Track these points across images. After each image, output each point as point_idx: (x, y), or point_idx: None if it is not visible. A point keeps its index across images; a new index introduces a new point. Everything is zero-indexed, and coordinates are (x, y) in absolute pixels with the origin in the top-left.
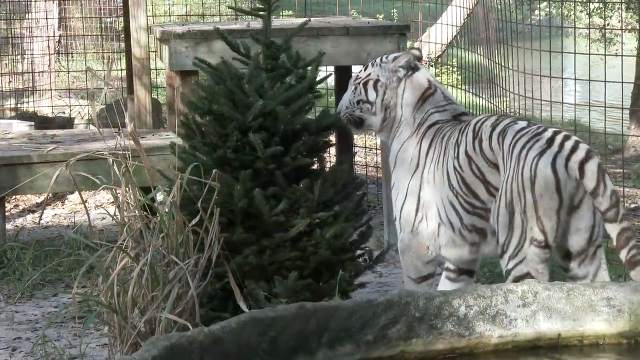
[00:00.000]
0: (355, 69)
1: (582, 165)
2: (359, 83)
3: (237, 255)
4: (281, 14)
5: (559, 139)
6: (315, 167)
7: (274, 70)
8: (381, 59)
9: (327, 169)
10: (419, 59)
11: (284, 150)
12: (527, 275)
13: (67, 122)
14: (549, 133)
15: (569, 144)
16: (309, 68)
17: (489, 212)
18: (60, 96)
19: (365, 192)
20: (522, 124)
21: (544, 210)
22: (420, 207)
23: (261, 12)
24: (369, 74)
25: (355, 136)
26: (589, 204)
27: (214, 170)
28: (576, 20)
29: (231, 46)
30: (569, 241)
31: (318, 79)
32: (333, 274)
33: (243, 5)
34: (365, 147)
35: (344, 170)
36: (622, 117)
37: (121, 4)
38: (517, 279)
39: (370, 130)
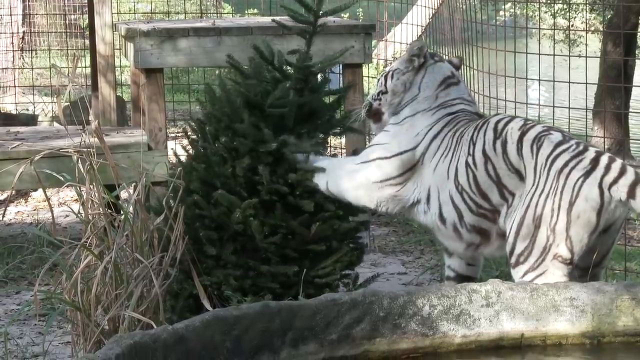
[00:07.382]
0: None
1: (632, 188)
2: (382, 75)
3: (219, 269)
4: (246, 12)
5: (604, 160)
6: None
7: (302, 93)
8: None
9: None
10: (457, 67)
11: (289, 191)
12: None
13: (31, 119)
14: (591, 153)
15: (615, 166)
16: None
17: (498, 214)
18: (24, 93)
19: (365, 244)
20: (558, 135)
21: (577, 232)
22: (405, 179)
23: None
24: (393, 67)
25: None
26: (618, 227)
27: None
28: (540, 21)
29: (264, 58)
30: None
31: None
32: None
33: (208, 3)
34: None
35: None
36: (587, 117)
37: (86, 1)
38: None
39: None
